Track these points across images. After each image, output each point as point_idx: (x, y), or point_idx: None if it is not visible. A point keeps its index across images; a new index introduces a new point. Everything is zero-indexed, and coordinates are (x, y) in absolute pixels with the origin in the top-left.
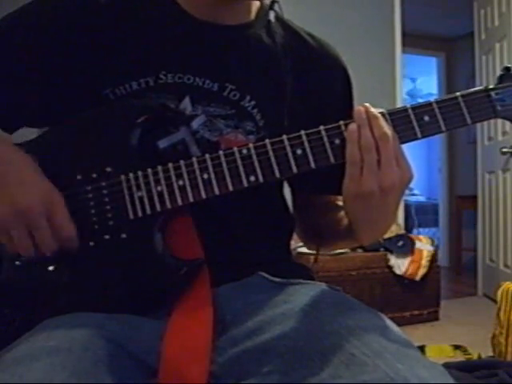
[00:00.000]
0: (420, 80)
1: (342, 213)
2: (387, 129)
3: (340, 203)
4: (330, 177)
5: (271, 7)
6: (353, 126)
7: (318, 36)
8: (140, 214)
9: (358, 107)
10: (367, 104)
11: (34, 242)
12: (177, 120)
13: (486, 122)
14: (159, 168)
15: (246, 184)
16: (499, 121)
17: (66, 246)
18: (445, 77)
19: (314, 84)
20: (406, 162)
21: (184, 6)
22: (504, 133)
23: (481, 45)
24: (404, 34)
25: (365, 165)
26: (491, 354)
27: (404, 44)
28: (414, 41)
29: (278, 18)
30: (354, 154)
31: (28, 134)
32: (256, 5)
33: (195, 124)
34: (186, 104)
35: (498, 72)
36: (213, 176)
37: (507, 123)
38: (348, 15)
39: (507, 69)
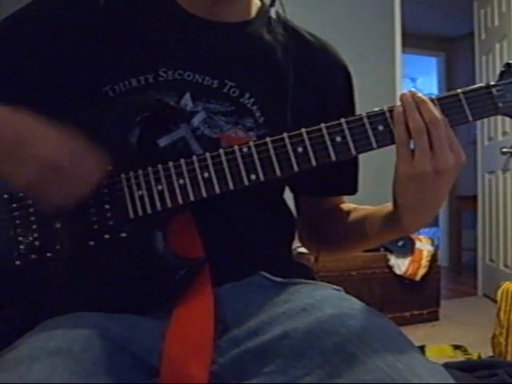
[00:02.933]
0: (420, 80)
1: (353, 216)
2: (437, 112)
3: (345, 206)
4: (329, 178)
5: (272, 4)
6: (398, 109)
7: (318, 35)
8: (140, 213)
9: (403, 92)
10: (413, 89)
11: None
12: (177, 118)
13: (486, 122)
14: (160, 167)
15: (246, 182)
16: (499, 121)
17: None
18: (445, 77)
19: (314, 82)
20: (458, 146)
21: (183, 3)
22: (504, 133)
23: (481, 45)
24: (404, 34)
25: (417, 147)
26: (491, 354)
27: (404, 44)
28: (414, 41)
29: (279, 18)
30: (401, 136)
31: None
32: (256, 3)
33: (196, 121)
34: (187, 100)
35: (498, 72)
36: (213, 174)
37: (507, 123)
38: (348, 15)
39: (508, 65)
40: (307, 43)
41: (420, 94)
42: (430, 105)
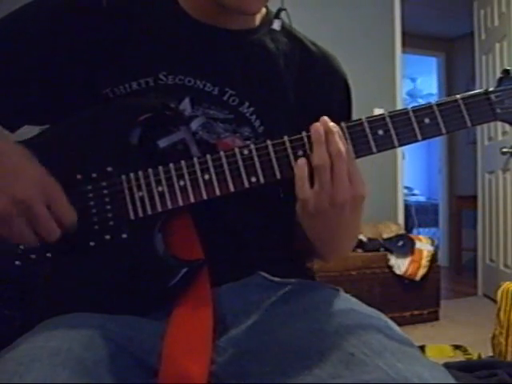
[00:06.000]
0: (420, 80)
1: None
2: (342, 145)
3: None
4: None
5: (277, 16)
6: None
7: (321, 46)
8: (141, 214)
9: (315, 124)
10: (325, 117)
11: (35, 232)
12: (177, 119)
13: None
14: (160, 168)
15: (247, 185)
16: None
17: (67, 232)
18: (445, 77)
19: (314, 93)
20: (359, 178)
21: (187, 9)
22: (504, 133)
23: (481, 45)
24: (404, 34)
25: (317, 184)
26: (491, 354)
27: (404, 44)
28: (414, 41)
29: (284, 27)
30: (302, 174)
31: (31, 134)
32: (261, 12)
33: (194, 125)
34: (186, 105)
35: (498, 72)
36: (214, 176)
37: None
38: (348, 15)
39: (506, 71)
40: (309, 52)
41: (331, 124)
42: (337, 136)
